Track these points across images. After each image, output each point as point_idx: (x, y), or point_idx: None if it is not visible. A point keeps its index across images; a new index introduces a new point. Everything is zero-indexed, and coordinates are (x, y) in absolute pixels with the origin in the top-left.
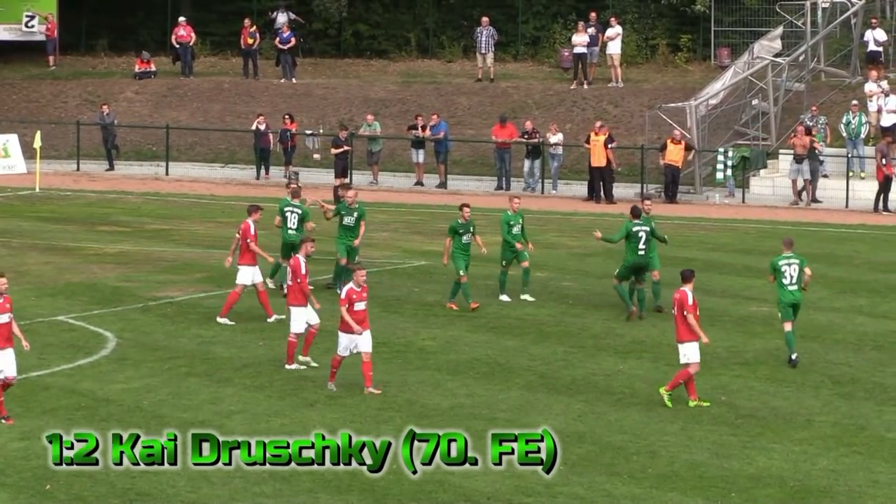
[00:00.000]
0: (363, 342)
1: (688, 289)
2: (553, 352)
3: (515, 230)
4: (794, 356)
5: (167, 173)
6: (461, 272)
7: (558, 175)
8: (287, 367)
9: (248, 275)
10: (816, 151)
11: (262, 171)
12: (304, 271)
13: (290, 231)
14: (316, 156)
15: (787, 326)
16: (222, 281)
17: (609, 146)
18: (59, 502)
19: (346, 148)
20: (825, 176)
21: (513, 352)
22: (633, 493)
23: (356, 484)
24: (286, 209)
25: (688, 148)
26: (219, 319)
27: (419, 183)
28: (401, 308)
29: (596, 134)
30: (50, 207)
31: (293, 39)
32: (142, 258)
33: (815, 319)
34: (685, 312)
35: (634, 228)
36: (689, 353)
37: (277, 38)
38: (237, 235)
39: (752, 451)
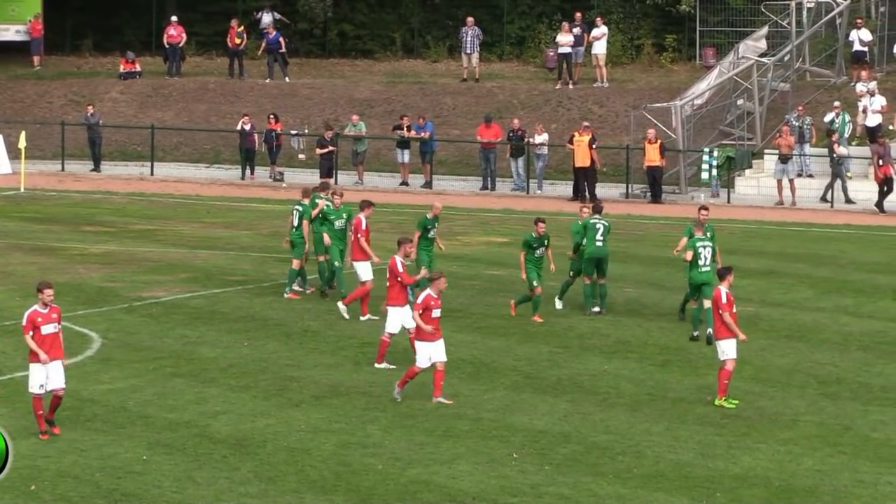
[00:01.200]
0: (437, 351)
1: (723, 287)
2: (538, 352)
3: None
4: (695, 333)
5: (152, 173)
6: (535, 283)
7: (543, 175)
8: (376, 365)
9: (366, 269)
10: (835, 156)
11: (248, 172)
12: (401, 271)
13: (294, 230)
14: (301, 156)
15: (694, 304)
16: (207, 281)
17: (593, 146)
18: (43, 502)
19: (331, 148)
20: (810, 176)
21: (498, 352)
22: (618, 492)
23: (341, 484)
24: (295, 207)
25: (662, 150)
26: (339, 305)
27: (404, 183)
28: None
29: (580, 134)
30: (35, 208)
31: (281, 39)
32: (127, 258)
33: (801, 319)
34: (720, 311)
35: (592, 221)
36: (727, 349)
37: (265, 40)
38: (349, 232)
39: (737, 451)
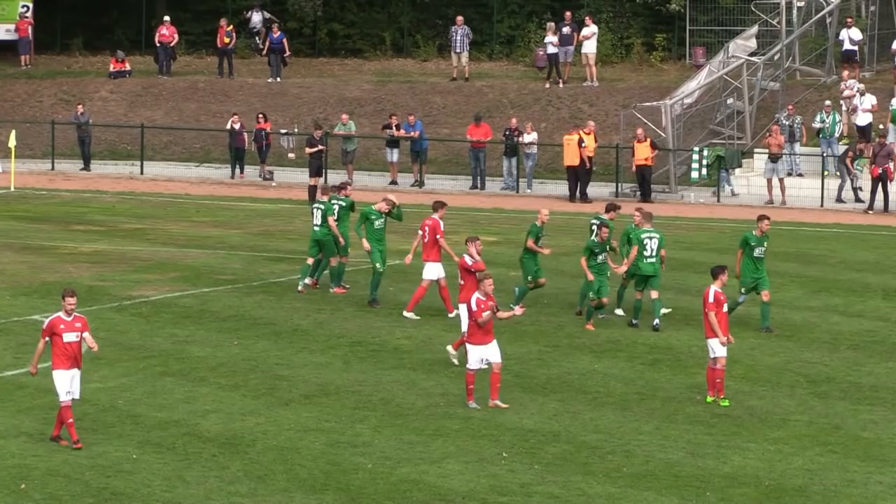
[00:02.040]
0: (491, 353)
1: (713, 286)
2: (528, 351)
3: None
4: (634, 321)
5: (142, 172)
6: (599, 294)
7: (532, 174)
8: (451, 348)
9: (435, 270)
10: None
11: (237, 171)
12: (470, 263)
13: (315, 228)
14: (291, 155)
15: (639, 296)
16: (196, 280)
17: (581, 146)
18: (34, 501)
19: (320, 147)
20: (800, 175)
21: None
22: (608, 492)
23: (331, 483)
24: (314, 207)
25: (653, 146)
26: (405, 314)
27: (394, 182)
28: (376, 308)
29: (587, 133)
30: (25, 207)
31: (284, 40)
32: (116, 257)
33: (791, 318)
34: (706, 310)
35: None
36: (716, 348)
37: (269, 40)
38: (420, 232)
39: (727, 450)
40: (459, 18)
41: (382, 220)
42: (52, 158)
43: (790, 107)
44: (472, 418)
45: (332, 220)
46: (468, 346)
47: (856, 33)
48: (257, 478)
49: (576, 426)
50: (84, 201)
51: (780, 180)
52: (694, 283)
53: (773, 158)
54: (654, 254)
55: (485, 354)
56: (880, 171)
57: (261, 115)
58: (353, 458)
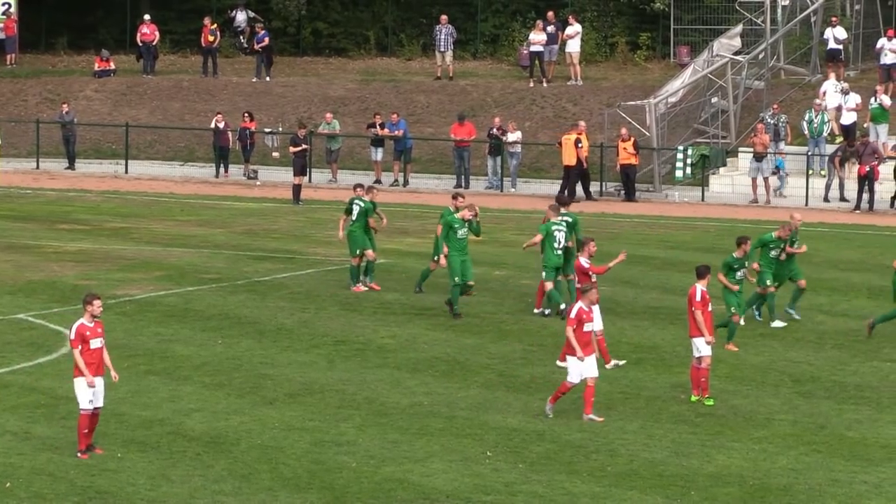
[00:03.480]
0: (589, 368)
1: (699, 285)
2: (512, 350)
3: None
4: (547, 312)
5: (126, 171)
6: (733, 310)
7: (517, 173)
8: (605, 366)
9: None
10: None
11: (222, 170)
12: (587, 267)
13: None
14: (275, 154)
15: (549, 286)
16: (181, 279)
17: (578, 146)
18: (19, 500)
19: (304, 146)
20: (786, 174)
21: (472, 350)
22: (592, 491)
23: (315, 482)
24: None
25: (636, 147)
26: (536, 312)
27: (378, 181)
28: (360, 306)
29: (580, 133)
30: (9, 206)
31: (267, 39)
32: (101, 256)
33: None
34: (693, 308)
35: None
36: (701, 347)
37: (256, 39)
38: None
39: (711, 449)
40: (443, 17)
41: (465, 229)
42: (36, 157)
43: (775, 105)
44: (456, 417)
45: (371, 220)
46: (568, 358)
47: (840, 32)
48: (242, 476)
49: (560, 425)
50: (69, 200)
51: (765, 179)
52: (678, 282)
53: (758, 158)
54: (562, 245)
55: (583, 368)
56: (867, 169)
57: (246, 114)
58: (337, 457)
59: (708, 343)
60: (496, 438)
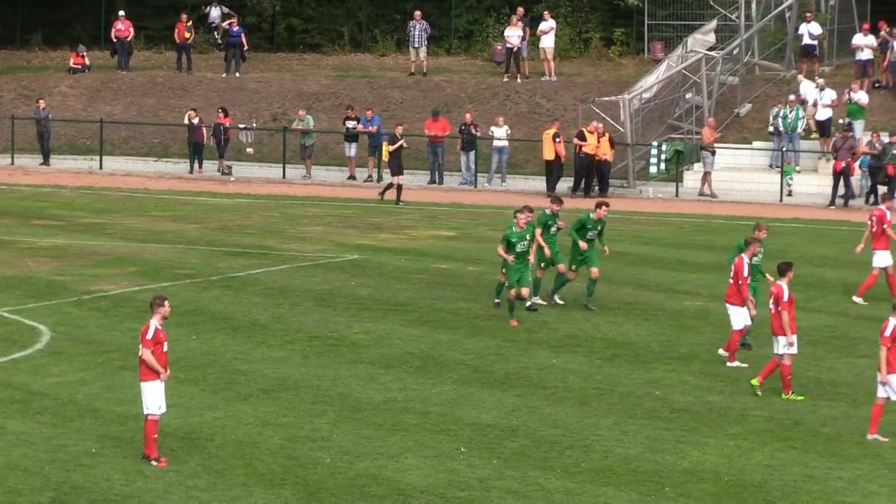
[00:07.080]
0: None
1: (783, 283)
2: (486, 346)
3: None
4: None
5: (101, 167)
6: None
7: (507, 169)
8: (728, 364)
9: (884, 258)
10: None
11: (196, 166)
12: (745, 274)
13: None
14: (249, 150)
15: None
16: (155, 275)
17: (556, 141)
18: None
19: (401, 143)
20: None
21: (446, 346)
22: (566, 487)
23: (290, 478)
24: None
25: (610, 142)
26: (854, 299)
27: (352, 177)
28: (334, 302)
29: (591, 132)
30: None
31: (242, 35)
32: (76, 252)
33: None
34: (780, 308)
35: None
36: (783, 344)
37: (229, 34)
38: (868, 222)
39: (686, 445)
40: (417, 13)
41: (526, 242)
42: (11, 153)
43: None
44: (430, 413)
45: (537, 232)
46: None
47: (815, 28)
48: (216, 472)
49: (534, 421)
50: (43, 196)
51: (706, 173)
52: (651, 277)
53: (712, 151)
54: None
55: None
56: (843, 164)
57: (220, 110)
58: (311, 453)
59: (790, 343)
60: (470, 434)
